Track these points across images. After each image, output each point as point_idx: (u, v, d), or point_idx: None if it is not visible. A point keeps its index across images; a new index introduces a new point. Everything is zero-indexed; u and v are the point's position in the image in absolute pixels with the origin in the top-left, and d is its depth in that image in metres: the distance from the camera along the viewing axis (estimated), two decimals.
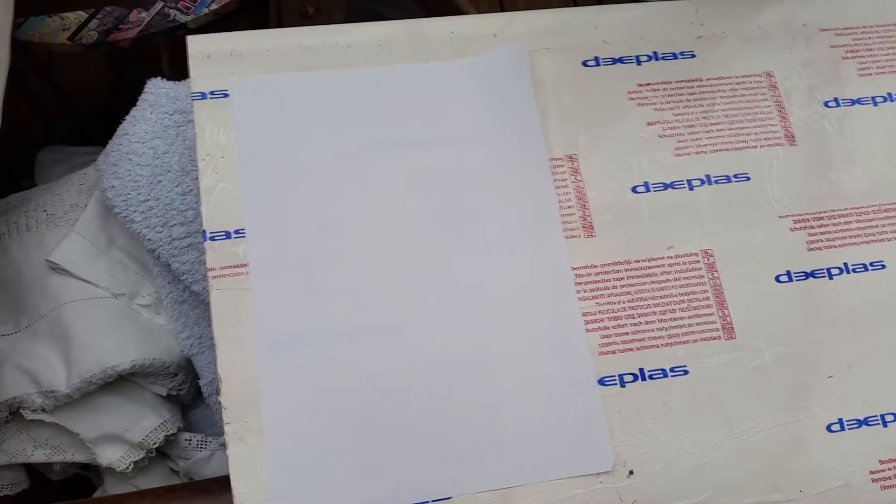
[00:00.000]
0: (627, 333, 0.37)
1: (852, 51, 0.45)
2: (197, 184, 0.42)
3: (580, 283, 0.38)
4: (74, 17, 0.54)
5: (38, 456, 0.41)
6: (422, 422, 0.35)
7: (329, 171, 0.38)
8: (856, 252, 0.40)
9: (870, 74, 0.44)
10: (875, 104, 0.44)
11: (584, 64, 0.42)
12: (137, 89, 0.47)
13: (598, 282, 0.38)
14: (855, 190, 0.42)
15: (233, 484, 0.32)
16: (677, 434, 0.36)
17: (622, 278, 0.38)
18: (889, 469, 0.37)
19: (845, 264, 0.40)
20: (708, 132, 0.42)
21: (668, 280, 0.38)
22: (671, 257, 0.39)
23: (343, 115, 0.39)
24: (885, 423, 0.37)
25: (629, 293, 0.38)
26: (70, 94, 0.64)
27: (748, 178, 0.41)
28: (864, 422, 0.37)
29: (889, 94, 0.44)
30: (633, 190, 0.40)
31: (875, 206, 0.41)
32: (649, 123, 0.41)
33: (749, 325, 0.38)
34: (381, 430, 0.34)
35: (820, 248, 0.40)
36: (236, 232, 0.36)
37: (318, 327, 0.35)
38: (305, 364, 0.35)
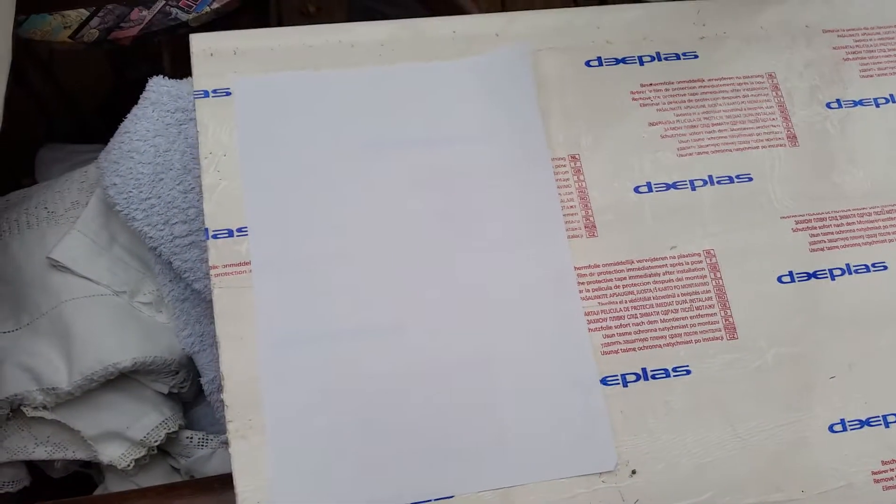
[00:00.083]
0: (630, 333, 0.37)
1: (854, 52, 0.45)
2: (199, 182, 0.42)
3: (583, 283, 0.38)
4: (76, 15, 0.54)
5: (40, 453, 0.41)
6: (424, 421, 0.35)
7: (331, 169, 0.38)
8: (858, 253, 0.40)
9: (871, 76, 0.44)
10: (877, 105, 0.44)
11: (587, 64, 0.42)
12: (138, 87, 0.47)
13: (600, 282, 0.38)
14: (857, 191, 0.42)
15: (236, 482, 0.32)
16: (680, 434, 0.36)
17: (624, 278, 0.38)
18: (891, 469, 0.37)
19: (847, 265, 0.40)
20: (710, 132, 0.42)
21: (670, 280, 0.38)
22: (673, 257, 0.39)
23: (345, 114, 0.39)
24: (886, 424, 0.37)
25: (632, 293, 0.38)
26: (71, 91, 0.64)
27: (750, 179, 0.41)
28: (865, 422, 0.37)
29: (891, 96, 0.44)
30: (636, 190, 0.40)
31: (877, 207, 0.41)
32: (651, 124, 0.41)
33: (751, 325, 0.38)
34: (384, 429, 0.34)
35: (822, 249, 0.40)
36: (239, 230, 0.36)
37: (321, 326, 0.35)
38: (307, 363, 0.35)
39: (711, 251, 0.39)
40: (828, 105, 0.43)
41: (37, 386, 0.40)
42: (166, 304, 0.43)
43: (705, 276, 0.39)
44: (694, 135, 0.42)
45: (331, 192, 0.38)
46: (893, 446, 0.37)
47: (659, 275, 0.38)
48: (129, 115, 0.45)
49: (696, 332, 0.38)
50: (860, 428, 0.37)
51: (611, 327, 0.37)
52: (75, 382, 0.40)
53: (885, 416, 0.37)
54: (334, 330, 0.35)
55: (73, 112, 0.65)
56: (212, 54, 0.40)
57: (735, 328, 0.38)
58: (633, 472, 0.35)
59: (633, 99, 0.42)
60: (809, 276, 0.40)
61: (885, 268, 0.40)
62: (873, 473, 0.37)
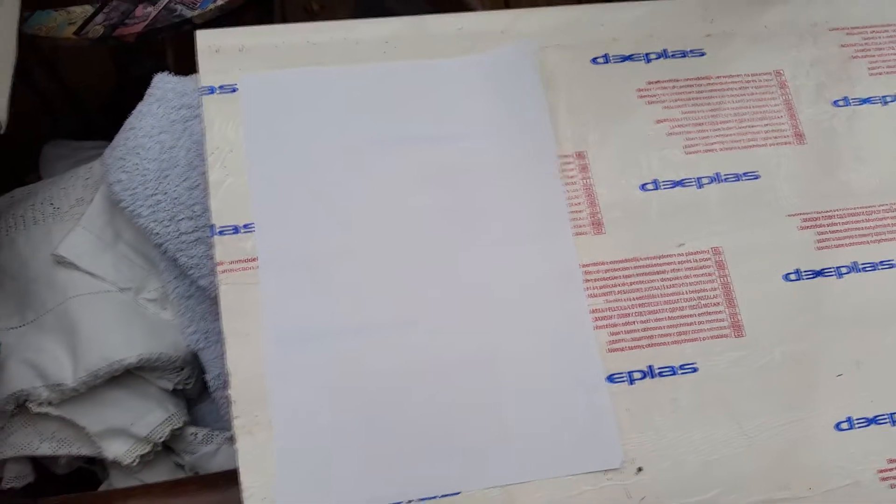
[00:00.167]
0: (636, 331, 0.37)
1: (862, 50, 0.45)
2: (204, 178, 0.42)
3: (589, 281, 0.38)
4: (80, 11, 0.54)
5: (45, 449, 0.41)
6: (430, 418, 0.35)
7: (337, 166, 0.38)
8: (865, 251, 0.40)
9: (879, 74, 0.44)
10: (884, 103, 0.44)
11: (594, 61, 0.42)
12: (142, 84, 0.47)
13: (606, 279, 0.38)
14: (864, 189, 0.42)
15: (242, 478, 0.32)
16: (686, 431, 0.36)
17: (631, 275, 0.38)
18: None
19: (854, 263, 0.40)
20: (717, 130, 0.42)
21: (677, 278, 0.38)
22: (680, 255, 0.39)
23: (351, 111, 0.39)
24: (893, 422, 0.37)
25: (638, 290, 0.38)
26: (75, 88, 0.64)
27: (757, 177, 0.41)
28: (872, 420, 0.37)
29: None
30: (642, 187, 0.40)
31: (885, 205, 0.41)
32: (658, 121, 0.41)
33: (758, 322, 0.38)
34: (389, 426, 0.34)
35: (829, 247, 0.40)
36: (245, 226, 0.36)
37: (326, 323, 0.35)
38: (313, 359, 0.35)
39: (718, 249, 0.39)
40: (835, 103, 0.43)
41: (42, 382, 0.40)
42: (171, 301, 0.43)
43: (712, 274, 0.39)
44: (700, 132, 0.41)
45: (336, 189, 0.38)
46: None
47: (665, 272, 0.38)
48: (134, 112, 0.45)
49: (702, 330, 0.38)
50: (867, 426, 0.37)
51: (617, 325, 0.37)
52: (80, 379, 0.40)
53: (892, 415, 0.37)
54: (340, 327, 0.35)
55: (77, 109, 0.65)
56: (217, 51, 0.39)
57: (742, 326, 0.38)
58: (640, 469, 0.35)
59: (640, 96, 0.42)
60: (816, 273, 0.39)
61: (893, 266, 0.40)
62: (880, 472, 0.36)
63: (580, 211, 0.39)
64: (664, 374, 0.37)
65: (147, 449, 0.41)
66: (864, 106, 0.43)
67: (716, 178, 0.40)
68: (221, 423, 0.44)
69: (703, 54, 0.43)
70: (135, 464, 0.41)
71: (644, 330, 0.37)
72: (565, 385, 0.36)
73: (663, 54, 0.43)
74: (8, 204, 0.47)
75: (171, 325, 0.43)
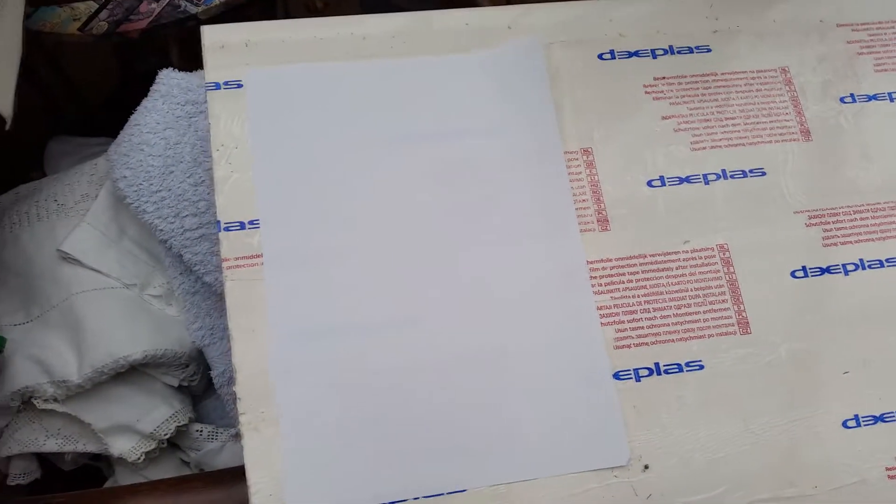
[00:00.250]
0: (643, 328, 0.37)
1: (868, 46, 0.45)
2: (209, 175, 0.42)
3: (595, 277, 0.38)
4: (85, 7, 0.54)
5: (50, 445, 0.41)
6: (435, 415, 0.34)
7: (343, 162, 0.38)
8: (871, 248, 0.40)
9: (886, 70, 0.44)
10: (891, 100, 0.43)
11: (600, 57, 0.42)
12: (146, 80, 0.47)
13: (612, 276, 0.38)
14: (870, 185, 0.41)
15: (248, 474, 0.32)
16: (692, 428, 0.36)
17: (637, 272, 0.38)
18: None
19: (861, 260, 0.40)
20: (723, 126, 0.42)
21: (683, 274, 0.38)
22: (686, 252, 0.39)
23: (357, 107, 0.39)
24: None
25: (644, 287, 0.38)
26: (78, 84, 0.64)
27: (763, 173, 0.41)
28: (880, 418, 0.37)
29: None
30: (649, 184, 0.40)
31: (891, 202, 0.41)
32: (664, 117, 0.41)
33: (764, 320, 0.38)
34: (397, 423, 0.34)
35: (835, 244, 0.40)
36: (251, 222, 0.36)
37: (332, 319, 0.35)
38: (319, 356, 0.35)
39: (724, 246, 0.39)
40: (841, 100, 0.43)
41: (47, 378, 0.40)
42: (176, 297, 0.43)
43: (718, 271, 0.38)
44: (707, 129, 0.41)
45: (342, 185, 0.37)
46: None
47: (672, 269, 0.38)
48: (138, 108, 0.45)
49: (708, 327, 0.37)
50: (874, 424, 0.37)
51: (623, 322, 0.37)
52: (86, 375, 0.40)
53: None
54: (345, 323, 0.35)
55: (81, 105, 0.65)
56: (223, 46, 0.39)
57: (748, 323, 0.38)
58: (646, 466, 0.35)
59: (646, 92, 0.41)
60: (823, 271, 0.39)
61: None
62: (887, 469, 0.36)
63: (586, 208, 0.39)
64: (670, 371, 0.36)
65: (152, 446, 0.41)
66: (871, 103, 0.43)
67: (722, 175, 0.40)
68: (227, 420, 0.44)
69: (709, 50, 0.43)
70: (140, 460, 0.41)
71: (650, 327, 0.37)
72: (571, 382, 0.36)
73: (670, 50, 0.43)
74: (13, 200, 0.47)
75: (176, 321, 0.43)
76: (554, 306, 0.37)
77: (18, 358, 0.41)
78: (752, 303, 0.38)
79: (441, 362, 0.35)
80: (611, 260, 0.38)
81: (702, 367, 0.37)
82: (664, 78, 0.42)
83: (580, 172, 0.39)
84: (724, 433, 0.36)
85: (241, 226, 0.36)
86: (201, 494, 0.37)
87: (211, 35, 0.39)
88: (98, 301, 0.42)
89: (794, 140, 0.42)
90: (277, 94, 0.38)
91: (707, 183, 0.40)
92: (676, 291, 0.38)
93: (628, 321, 0.37)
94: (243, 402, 0.33)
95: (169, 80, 0.45)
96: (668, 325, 0.37)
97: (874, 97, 0.43)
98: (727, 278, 0.38)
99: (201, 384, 0.45)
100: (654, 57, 0.42)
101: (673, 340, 0.37)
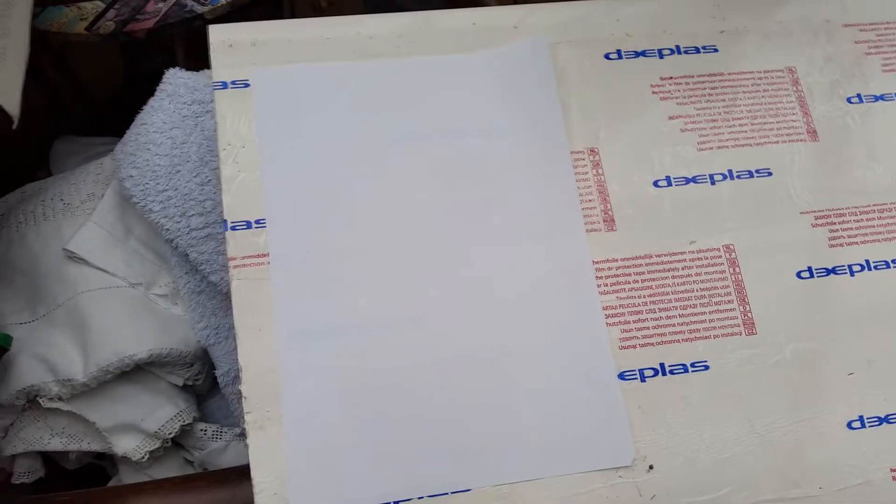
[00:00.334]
0: (648, 328, 0.37)
1: (876, 46, 0.45)
2: (215, 174, 0.42)
3: (601, 277, 0.37)
4: (91, 7, 0.54)
5: (55, 444, 0.41)
6: (440, 414, 0.34)
7: (350, 161, 0.38)
8: (878, 249, 0.40)
9: (893, 70, 0.44)
10: None
11: (607, 57, 0.42)
12: (151, 80, 0.47)
13: (618, 276, 0.38)
14: (877, 186, 0.41)
15: (253, 473, 0.32)
16: (697, 429, 0.36)
17: (643, 272, 0.38)
18: None
19: (867, 261, 0.40)
20: (730, 127, 0.42)
21: (689, 275, 0.38)
22: (692, 252, 0.39)
23: (363, 107, 0.39)
24: None
25: (650, 287, 0.38)
26: (85, 84, 0.64)
27: (770, 174, 0.41)
28: (885, 419, 0.37)
29: None
30: (655, 184, 0.40)
31: None
32: (671, 117, 0.41)
33: (770, 320, 0.38)
34: (401, 422, 0.34)
35: (841, 245, 0.40)
36: (257, 222, 0.36)
37: (338, 319, 0.35)
38: (325, 355, 0.35)
39: (731, 246, 0.39)
40: (848, 100, 0.43)
41: (53, 377, 0.40)
42: (182, 297, 0.43)
43: (724, 272, 0.38)
44: (714, 129, 0.41)
45: (349, 185, 0.37)
46: None
47: (678, 269, 0.38)
48: (145, 107, 0.45)
49: (714, 328, 0.37)
50: (879, 425, 0.37)
51: (629, 322, 0.37)
52: (91, 374, 0.40)
53: None
54: (351, 323, 0.35)
55: (87, 104, 0.65)
56: (230, 46, 0.39)
57: (754, 323, 0.38)
58: (651, 467, 0.35)
59: (653, 92, 0.41)
60: (829, 271, 0.39)
61: None
62: (892, 471, 0.36)
63: (592, 207, 0.39)
64: (676, 371, 0.36)
65: (157, 445, 0.42)
66: (878, 103, 0.43)
67: (728, 175, 0.40)
68: (231, 420, 0.44)
69: (716, 50, 0.43)
70: (144, 459, 0.41)
71: (656, 327, 0.37)
72: (576, 382, 0.36)
73: (676, 50, 0.43)
74: (19, 199, 0.48)
75: (181, 320, 0.43)
76: (559, 306, 0.37)
77: (24, 356, 0.41)
78: (757, 303, 0.38)
79: (446, 362, 0.35)
80: (617, 260, 0.38)
81: (707, 367, 0.37)
82: (671, 78, 0.42)
83: (586, 172, 0.39)
84: (729, 434, 0.36)
85: (248, 225, 0.36)
86: (205, 493, 0.38)
87: (218, 34, 0.39)
88: (104, 300, 0.42)
89: (801, 140, 0.42)
90: (284, 93, 0.39)
91: (713, 183, 0.40)
92: (682, 292, 0.38)
93: (634, 321, 0.37)
94: (249, 400, 0.33)
95: (175, 80, 0.45)
96: (674, 325, 0.37)
97: (881, 97, 0.43)
98: (733, 279, 0.38)
99: (206, 383, 0.45)
100: (661, 57, 0.42)
101: (678, 341, 0.37)
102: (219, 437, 0.43)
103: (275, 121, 0.38)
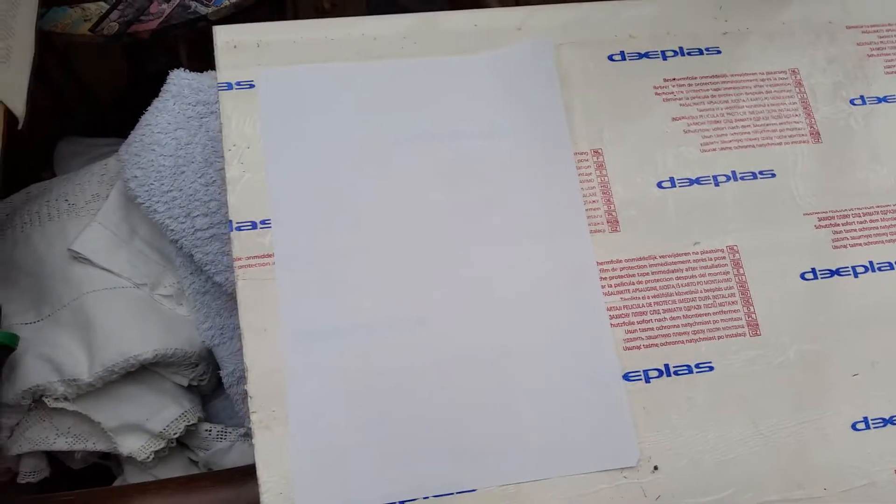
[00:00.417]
0: (652, 329, 0.37)
1: (878, 48, 0.45)
2: (220, 175, 0.42)
3: (605, 278, 0.38)
4: (96, 7, 0.54)
5: (60, 444, 0.41)
6: (446, 414, 0.35)
7: (354, 162, 0.38)
8: (881, 250, 0.40)
9: (895, 73, 0.44)
10: None
11: (610, 58, 0.42)
12: (155, 81, 0.47)
13: (622, 277, 0.38)
14: (880, 188, 0.41)
15: (259, 472, 0.32)
16: (702, 430, 0.36)
17: (647, 273, 0.38)
18: None
19: (870, 262, 0.40)
20: (733, 128, 0.42)
21: (693, 276, 0.38)
22: (696, 253, 0.39)
23: (368, 107, 0.39)
24: None
25: (654, 288, 0.38)
26: (88, 85, 0.64)
27: (773, 175, 0.41)
28: (889, 420, 0.37)
29: None
30: (659, 185, 0.40)
31: None
32: (674, 119, 0.41)
33: (774, 321, 0.38)
34: (406, 422, 0.34)
35: (845, 246, 0.40)
36: (262, 222, 0.36)
37: (343, 319, 0.35)
38: (330, 355, 0.35)
39: (734, 247, 0.39)
40: (851, 101, 0.43)
41: (58, 377, 0.40)
42: (187, 297, 0.43)
43: (728, 273, 0.38)
44: (717, 130, 0.41)
45: (353, 185, 0.38)
46: None
47: (681, 270, 0.38)
48: (149, 108, 0.45)
49: (718, 329, 0.37)
50: (883, 426, 0.37)
51: (633, 323, 0.37)
52: (96, 374, 0.40)
53: None
54: (356, 323, 0.35)
55: (90, 105, 0.65)
56: (235, 46, 0.40)
57: (758, 325, 0.38)
58: (656, 467, 0.35)
59: (656, 93, 0.42)
60: (832, 273, 0.39)
61: None
62: None
63: (596, 208, 0.39)
64: (680, 372, 0.36)
65: (162, 445, 0.42)
66: (881, 105, 0.43)
67: (732, 177, 0.40)
68: (235, 420, 0.44)
69: (719, 52, 0.43)
70: (149, 459, 0.41)
71: (660, 328, 0.37)
72: (581, 383, 0.36)
73: (680, 52, 0.43)
74: (23, 200, 0.48)
75: (186, 320, 0.43)
76: (564, 307, 0.37)
77: (29, 357, 0.41)
78: (761, 304, 0.38)
79: (450, 362, 0.35)
80: (621, 261, 0.38)
81: (711, 368, 0.37)
82: (674, 79, 0.42)
83: (590, 173, 0.39)
84: (733, 435, 0.36)
85: (253, 225, 0.36)
86: (210, 493, 0.38)
87: (223, 35, 0.40)
88: (109, 300, 0.42)
89: (804, 142, 0.42)
90: (289, 94, 0.39)
91: (717, 184, 0.40)
92: (686, 293, 0.38)
93: (638, 322, 0.37)
94: (255, 400, 0.33)
95: (180, 81, 0.45)
96: (678, 326, 0.37)
97: (884, 99, 0.43)
98: (737, 280, 0.38)
99: (210, 384, 0.45)
100: (664, 58, 0.42)
101: (683, 342, 0.37)
102: (223, 437, 0.43)
103: (280, 121, 0.38)
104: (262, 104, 0.38)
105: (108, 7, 0.54)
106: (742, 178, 0.40)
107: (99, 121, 0.64)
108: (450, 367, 0.35)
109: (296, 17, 0.66)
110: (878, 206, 0.41)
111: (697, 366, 0.37)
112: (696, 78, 0.42)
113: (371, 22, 0.41)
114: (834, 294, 0.39)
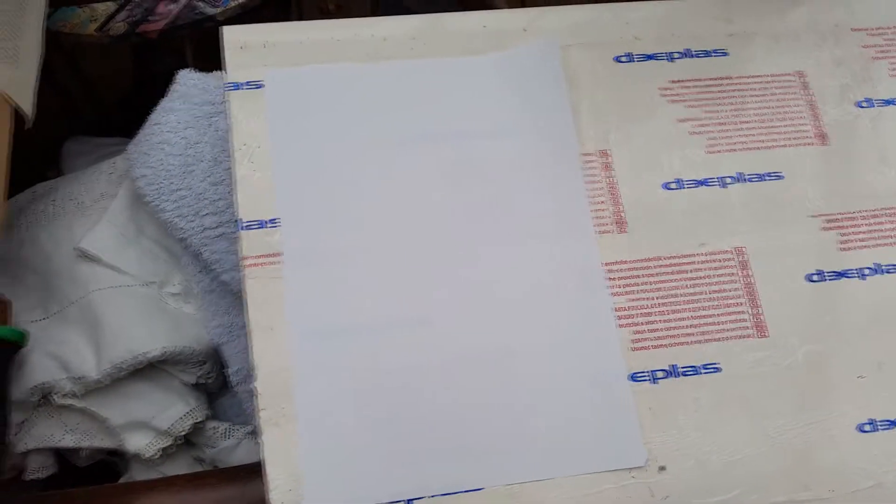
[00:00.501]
0: (659, 330, 0.37)
1: (883, 51, 0.45)
2: (228, 174, 0.43)
3: (612, 279, 0.38)
4: (103, 8, 0.55)
5: (68, 441, 0.41)
6: (453, 413, 0.35)
7: (361, 163, 0.38)
8: (888, 253, 0.40)
9: None
10: None
11: (617, 60, 0.42)
12: (160, 81, 0.47)
13: (629, 278, 0.38)
14: (888, 190, 0.41)
15: (267, 470, 0.32)
16: (709, 431, 0.36)
17: (654, 274, 0.38)
18: None
19: (877, 265, 0.40)
20: (739, 130, 0.42)
21: (700, 277, 0.38)
22: (703, 254, 0.39)
23: (375, 108, 0.39)
24: None
25: (661, 290, 0.38)
26: (95, 85, 0.65)
27: (780, 177, 0.41)
28: (895, 423, 0.37)
29: None
30: (666, 186, 0.40)
31: None
32: (681, 120, 0.41)
33: (781, 323, 0.38)
34: (413, 421, 0.34)
35: (851, 249, 0.40)
36: (270, 221, 0.36)
37: (349, 318, 0.36)
38: (337, 354, 0.35)
39: (741, 249, 0.39)
40: (858, 104, 0.43)
41: (66, 374, 0.40)
42: (194, 295, 0.44)
43: (735, 274, 0.39)
44: (723, 132, 0.41)
45: (361, 185, 0.38)
46: None
47: (688, 272, 0.38)
48: (157, 108, 0.46)
49: (725, 330, 0.37)
50: (890, 428, 0.37)
51: (640, 323, 0.37)
52: (104, 371, 0.40)
53: None
54: (364, 322, 0.35)
55: (97, 105, 0.65)
56: (242, 47, 0.40)
57: (765, 326, 0.38)
58: (662, 468, 0.35)
59: (662, 95, 0.42)
60: (839, 275, 0.39)
61: None
62: None
63: (603, 209, 0.39)
64: (687, 373, 0.37)
65: (168, 442, 0.42)
66: (889, 107, 0.43)
67: (739, 178, 0.40)
68: (242, 418, 0.44)
69: (725, 54, 0.43)
70: (156, 457, 0.41)
71: (667, 329, 0.37)
72: (587, 383, 0.36)
73: (686, 53, 0.43)
74: (30, 199, 0.48)
75: (193, 319, 0.43)
76: (571, 308, 0.37)
77: (37, 354, 0.41)
78: (768, 306, 0.38)
79: (457, 362, 0.35)
80: (627, 262, 0.38)
81: (718, 369, 0.37)
82: (680, 81, 0.42)
83: (597, 174, 0.40)
84: (740, 436, 0.36)
85: (261, 224, 0.36)
86: (217, 491, 0.38)
87: (231, 35, 0.40)
88: (116, 298, 0.42)
89: (811, 144, 0.42)
90: (297, 94, 0.39)
91: (724, 186, 0.40)
92: (693, 294, 0.38)
93: (645, 323, 0.37)
94: (263, 397, 0.33)
95: (187, 81, 0.46)
96: (685, 327, 0.37)
97: (891, 101, 0.43)
98: (744, 281, 0.38)
99: (217, 382, 0.45)
100: (671, 60, 0.43)
101: (689, 343, 0.37)
102: (230, 435, 0.43)
103: (287, 121, 0.38)
104: (270, 104, 0.38)
105: (116, 7, 0.54)
106: (749, 180, 0.41)
107: (104, 120, 0.65)
108: (456, 366, 0.35)
109: (300, 17, 0.67)
110: (884, 209, 0.41)
111: (704, 367, 0.37)
112: (702, 80, 0.42)
113: (379, 23, 0.41)
114: (840, 296, 0.39)
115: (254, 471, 0.34)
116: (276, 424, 0.33)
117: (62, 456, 0.44)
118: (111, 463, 0.45)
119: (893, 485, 0.36)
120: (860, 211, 0.41)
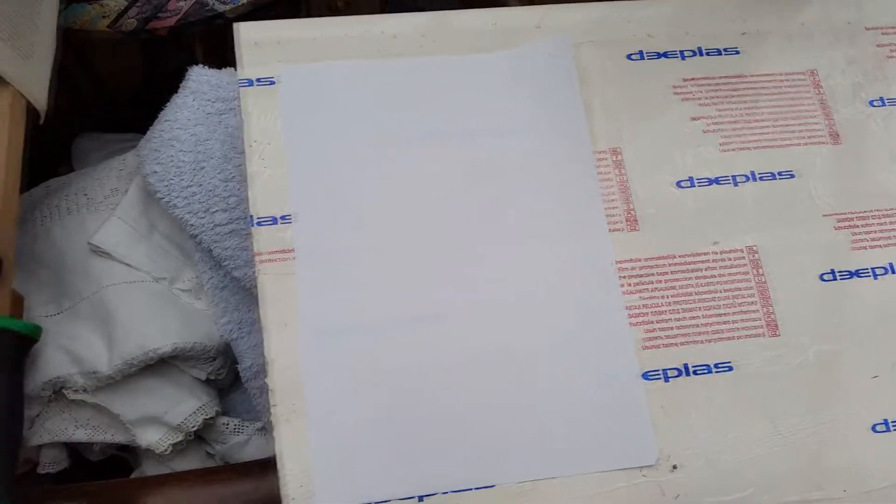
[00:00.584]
0: (671, 328, 0.37)
1: None
2: (239, 171, 0.43)
3: (624, 277, 0.38)
4: (114, 4, 0.55)
5: (80, 435, 0.41)
6: (465, 411, 0.35)
7: (373, 159, 0.38)
8: None
9: None
10: None
11: (629, 57, 0.42)
12: (170, 77, 0.47)
13: (641, 276, 0.38)
14: None
15: (280, 465, 0.32)
16: (721, 430, 0.36)
17: (666, 273, 0.38)
18: None
19: (890, 264, 0.40)
20: (751, 129, 0.42)
21: (712, 276, 0.38)
22: (716, 253, 0.39)
23: (388, 105, 0.39)
24: None
25: (673, 288, 0.38)
26: (105, 81, 0.65)
27: (792, 176, 0.41)
28: None
29: None
30: (678, 184, 0.40)
31: None
32: (693, 118, 0.41)
33: (793, 322, 0.38)
34: (424, 419, 0.34)
35: (864, 248, 0.40)
36: (283, 217, 0.36)
37: (362, 315, 0.36)
38: (349, 351, 0.35)
39: (754, 247, 0.39)
40: (871, 103, 0.43)
41: (78, 369, 0.41)
42: (206, 291, 0.44)
43: (747, 273, 0.38)
44: (736, 130, 0.41)
45: (373, 182, 0.38)
46: None
47: (701, 270, 0.38)
48: (168, 104, 0.46)
49: (737, 329, 0.37)
50: None
51: (652, 322, 0.37)
52: (116, 366, 0.40)
53: None
54: (376, 319, 0.36)
55: (107, 101, 0.66)
56: (256, 43, 0.40)
57: (777, 325, 0.38)
58: (674, 466, 0.35)
59: (675, 93, 0.42)
60: (852, 274, 0.39)
61: None
62: None
63: (615, 207, 0.39)
64: (699, 372, 0.36)
65: (179, 438, 0.42)
66: None
67: (751, 177, 0.40)
68: (253, 414, 0.44)
69: (738, 52, 0.43)
70: (167, 452, 0.42)
71: (679, 328, 0.37)
72: (600, 381, 0.36)
73: (698, 52, 0.43)
74: (43, 194, 0.48)
75: (205, 315, 0.43)
76: (583, 306, 0.37)
77: (49, 349, 0.41)
78: (780, 305, 0.38)
79: (469, 360, 0.35)
80: (640, 260, 0.38)
81: (731, 368, 0.37)
82: (693, 79, 0.42)
83: (609, 172, 0.39)
84: (752, 435, 0.36)
85: (274, 221, 0.36)
86: (229, 486, 0.38)
87: (244, 32, 0.40)
88: (128, 294, 0.42)
89: (824, 143, 0.42)
90: (310, 91, 0.39)
91: (736, 184, 0.40)
92: (705, 292, 0.38)
93: (657, 321, 0.37)
94: (276, 393, 0.33)
95: (199, 77, 0.46)
96: (697, 325, 0.37)
97: None
98: (756, 280, 0.38)
99: (228, 378, 0.45)
100: (683, 58, 0.42)
101: (702, 341, 0.37)
102: (240, 430, 0.43)
103: (300, 118, 0.38)
104: (283, 101, 0.38)
105: (127, 4, 0.54)
106: (761, 179, 0.40)
107: (114, 117, 0.65)
108: (469, 364, 0.35)
109: (308, 14, 0.67)
110: None
111: (717, 365, 0.37)
112: (714, 78, 0.42)
113: (390, 20, 0.41)
114: (853, 295, 0.39)
115: (267, 466, 0.34)
116: (287, 420, 0.33)
117: (75, 450, 0.44)
118: (123, 458, 0.46)
119: None
120: (872, 210, 0.41)
